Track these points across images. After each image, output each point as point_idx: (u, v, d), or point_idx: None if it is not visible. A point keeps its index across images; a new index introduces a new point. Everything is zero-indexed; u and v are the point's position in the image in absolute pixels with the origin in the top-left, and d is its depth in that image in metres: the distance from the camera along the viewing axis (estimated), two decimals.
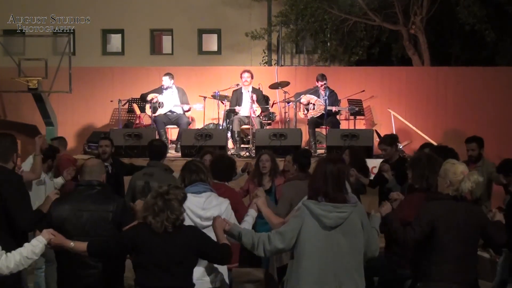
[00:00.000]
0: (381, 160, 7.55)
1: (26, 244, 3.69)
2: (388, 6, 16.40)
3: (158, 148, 6.68)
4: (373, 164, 8.60)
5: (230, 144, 10.88)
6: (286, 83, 11.65)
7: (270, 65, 17.35)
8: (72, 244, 3.87)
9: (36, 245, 3.70)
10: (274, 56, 18.06)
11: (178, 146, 10.70)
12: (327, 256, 3.72)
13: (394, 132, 11.81)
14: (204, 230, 4.07)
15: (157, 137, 10.57)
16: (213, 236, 4.00)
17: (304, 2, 16.08)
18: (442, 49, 17.98)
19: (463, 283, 4.11)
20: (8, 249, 3.72)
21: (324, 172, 3.82)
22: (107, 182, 4.61)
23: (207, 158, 6.48)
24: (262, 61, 17.64)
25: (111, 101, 11.89)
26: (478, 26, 15.12)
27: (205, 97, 11.20)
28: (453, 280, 4.06)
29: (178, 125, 10.98)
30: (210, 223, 4.12)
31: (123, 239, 3.86)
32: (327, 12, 16.14)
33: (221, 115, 11.27)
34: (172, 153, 10.60)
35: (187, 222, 4.07)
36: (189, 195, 4.10)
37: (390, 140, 7.31)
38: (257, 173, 6.71)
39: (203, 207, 4.33)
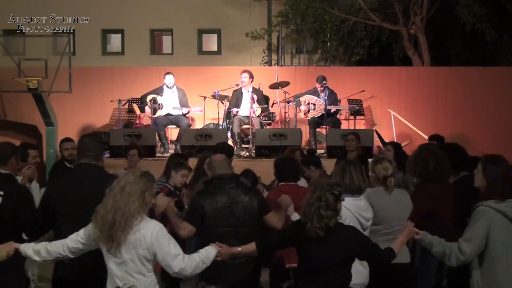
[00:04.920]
0: None
1: (200, 250, 3.89)
2: (388, 6, 16.39)
3: None
4: None
5: (230, 144, 10.87)
6: (286, 83, 11.64)
7: (270, 65, 17.31)
8: (239, 249, 4.07)
9: (210, 252, 3.89)
10: (274, 56, 18.02)
11: (178, 146, 10.70)
12: None
13: (394, 132, 11.83)
14: (367, 231, 4.32)
15: (157, 138, 10.59)
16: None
17: (305, 2, 16.08)
18: (442, 49, 17.95)
19: None
20: None
21: (496, 173, 3.85)
22: None
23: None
24: (262, 61, 17.61)
25: (111, 101, 11.89)
26: (479, 25, 15.11)
27: (205, 97, 11.21)
28: None
29: (178, 126, 10.98)
30: (370, 223, 4.47)
31: (287, 234, 4.02)
32: (327, 12, 16.13)
33: (221, 115, 11.27)
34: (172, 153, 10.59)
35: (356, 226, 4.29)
36: (352, 199, 4.42)
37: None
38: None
39: (366, 209, 4.55)
